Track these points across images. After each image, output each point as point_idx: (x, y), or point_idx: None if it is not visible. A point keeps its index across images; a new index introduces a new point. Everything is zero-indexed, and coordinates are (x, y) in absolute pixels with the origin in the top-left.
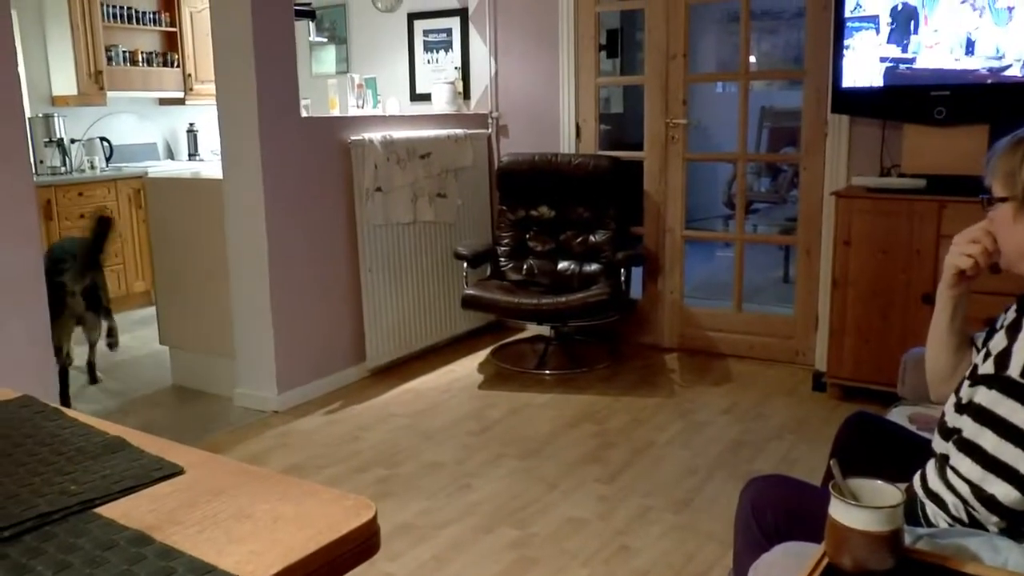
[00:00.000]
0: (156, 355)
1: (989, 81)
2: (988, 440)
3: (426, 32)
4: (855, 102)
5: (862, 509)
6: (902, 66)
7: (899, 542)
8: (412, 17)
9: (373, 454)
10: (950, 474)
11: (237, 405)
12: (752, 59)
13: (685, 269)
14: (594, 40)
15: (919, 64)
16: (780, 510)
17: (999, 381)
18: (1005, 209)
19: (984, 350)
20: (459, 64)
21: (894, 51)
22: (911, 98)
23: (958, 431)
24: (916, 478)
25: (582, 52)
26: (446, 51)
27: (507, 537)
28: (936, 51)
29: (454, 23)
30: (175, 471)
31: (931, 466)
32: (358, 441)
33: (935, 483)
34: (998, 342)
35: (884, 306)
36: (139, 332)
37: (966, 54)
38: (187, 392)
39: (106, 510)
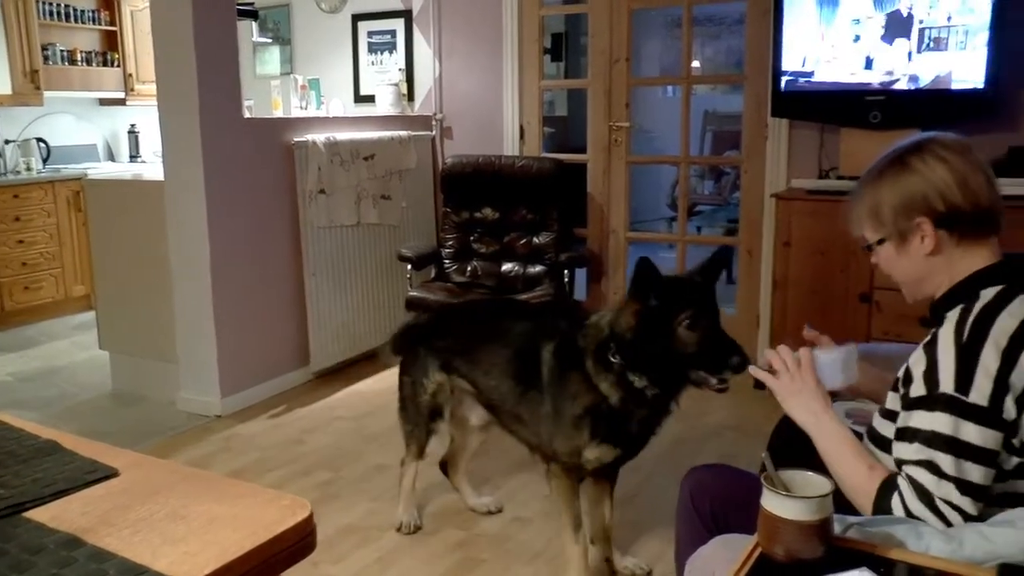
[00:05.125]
0: (95, 360)
1: (883, 96)
2: (944, 462)
3: (370, 33)
4: (794, 106)
5: (793, 499)
6: (801, 79)
7: (829, 531)
8: (356, 18)
9: (317, 457)
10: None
11: (180, 410)
12: (696, 64)
13: (629, 270)
14: (538, 43)
15: (817, 78)
16: (719, 498)
17: (937, 400)
18: (887, 248)
19: (904, 370)
20: (403, 66)
21: (795, 64)
22: (847, 103)
23: (901, 462)
24: (896, 504)
25: (526, 55)
26: (390, 53)
27: (452, 538)
28: (833, 65)
29: (398, 25)
30: (109, 474)
31: (905, 490)
32: (302, 444)
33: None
34: (917, 361)
35: (823, 305)
36: (78, 337)
37: (865, 68)
38: (128, 397)
39: (36, 514)
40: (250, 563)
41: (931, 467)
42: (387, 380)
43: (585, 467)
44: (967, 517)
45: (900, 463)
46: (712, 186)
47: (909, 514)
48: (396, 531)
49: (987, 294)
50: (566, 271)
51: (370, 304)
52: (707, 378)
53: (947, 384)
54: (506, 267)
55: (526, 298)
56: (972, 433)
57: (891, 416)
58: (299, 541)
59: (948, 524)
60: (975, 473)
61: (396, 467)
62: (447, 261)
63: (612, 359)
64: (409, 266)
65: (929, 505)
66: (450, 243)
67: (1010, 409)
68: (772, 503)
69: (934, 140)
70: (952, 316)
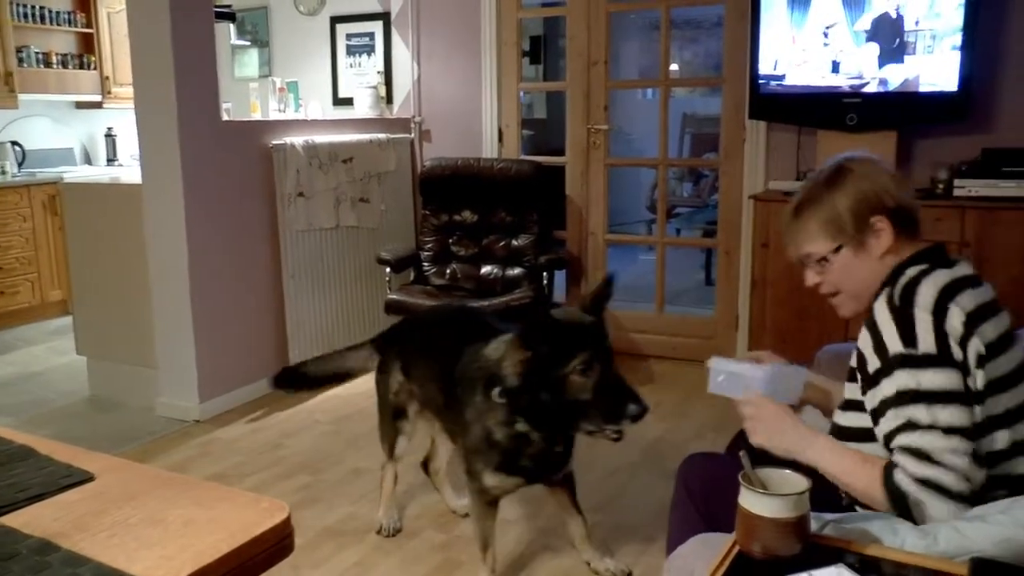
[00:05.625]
0: (72, 365)
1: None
2: (918, 413)
3: (349, 36)
4: (771, 108)
5: (769, 497)
6: (773, 83)
7: (806, 528)
8: (335, 21)
9: (297, 461)
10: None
11: (158, 415)
12: (675, 67)
13: (608, 272)
14: (517, 46)
15: (788, 81)
16: (709, 479)
17: (892, 364)
18: (844, 255)
19: (856, 357)
20: (382, 68)
21: (767, 67)
22: (825, 105)
23: (888, 439)
24: (902, 478)
25: (505, 57)
26: (369, 55)
27: (432, 540)
28: (804, 69)
29: (377, 27)
30: (85, 478)
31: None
32: (282, 448)
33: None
34: (864, 343)
35: (801, 306)
36: (55, 342)
37: (832, 72)
38: (105, 403)
39: (9, 519)
40: (227, 566)
41: (911, 426)
42: (366, 384)
43: (491, 492)
44: (970, 461)
45: (888, 440)
46: (691, 188)
47: (921, 483)
48: (376, 534)
49: (910, 272)
50: (545, 273)
51: (349, 307)
52: (602, 428)
53: (895, 346)
54: (485, 270)
55: (505, 300)
56: (932, 379)
57: (851, 406)
58: (277, 543)
59: (964, 478)
60: (950, 415)
61: (376, 470)
62: (426, 264)
63: (497, 400)
64: (388, 269)
65: (930, 461)
66: (429, 246)
67: (957, 351)
68: (749, 501)
69: (852, 158)
70: (882, 295)
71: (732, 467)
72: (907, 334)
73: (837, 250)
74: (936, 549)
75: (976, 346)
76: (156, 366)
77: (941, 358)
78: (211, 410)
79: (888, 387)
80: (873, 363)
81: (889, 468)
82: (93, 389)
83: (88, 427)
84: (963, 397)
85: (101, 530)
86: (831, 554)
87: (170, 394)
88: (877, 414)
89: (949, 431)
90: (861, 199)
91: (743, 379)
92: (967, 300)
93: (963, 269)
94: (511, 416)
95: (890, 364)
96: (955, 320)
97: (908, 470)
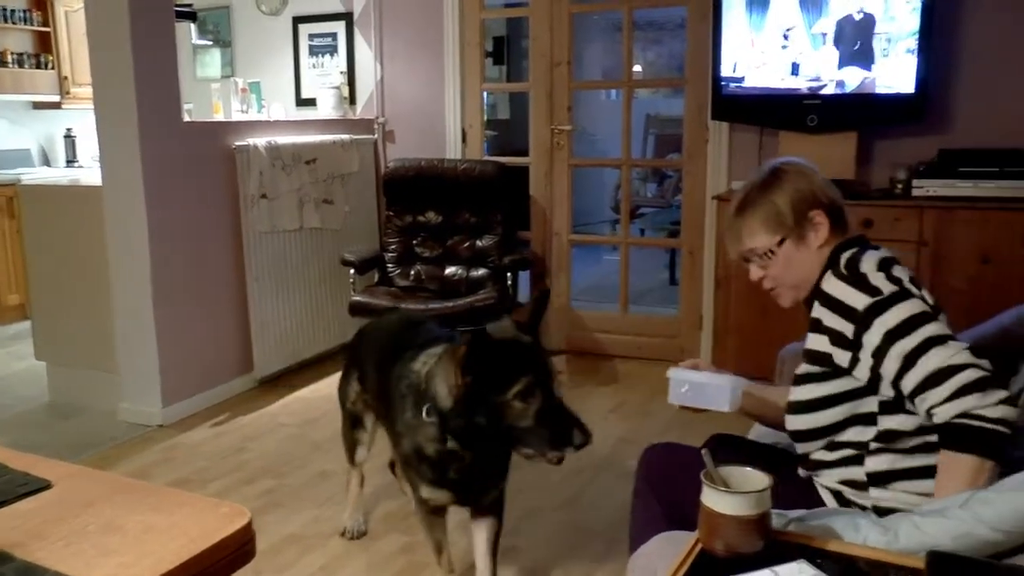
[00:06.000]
0: (31, 371)
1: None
2: (913, 341)
3: (311, 36)
4: (734, 110)
5: (731, 495)
6: (733, 84)
7: (767, 525)
8: (297, 21)
9: (261, 465)
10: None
11: (120, 420)
12: (638, 68)
13: (572, 273)
14: (480, 46)
15: (748, 83)
16: (670, 463)
17: (866, 316)
18: (787, 248)
19: (807, 349)
20: (345, 69)
21: (726, 69)
22: (785, 107)
23: (896, 382)
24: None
25: (468, 58)
26: (331, 56)
27: (396, 543)
28: (763, 71)
29: (339, 27)
30: (42, 486)
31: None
32: (245, 452)
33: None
34: (828, 317)
35: (763, 305)
36: (13, 348)
37: (791, 74)
38: (66, 409)
39: None
40: (188, 572)
41: (920, 369)
42: (331, 386)
43: (428, 503)
44: (980, 368)
45: (898, 382)
46: (655, 188)
47: (969, 416)
48: (340, 536)
49: (846, 253)
50: (509, 274)
51: (314, 309)
52: (543, 453)
53: (862, 301)
54: (449, 270)
55: (469, 301)
56: (907, 307)
57: (804, 379)
58: (238, 549)
59: (984, 376)
60: (938, 328)
61: (341, 473)
62: (390, 265)
63: (426, 417)
64: (352, 270)
65: (978, 389)
66: (393, 247)
67: (912, 288)
68: (711, 499)
69: (786, 161)
70: (828, 273)
71: (691, 455)
72: (867, 288)
73: (780, 243)
74: (896, 545)
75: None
76: (117, 371)
77: (904, 293)
78: (174, 415)
79: (874, 337)
80: (848, 330)
81: (949, 432)
82: (53, 395)
83: (48, 434)
84: (932, 315)
85: (58, 538)
86: (793, 551)
87: (132, 399)
88: (877, 366)
89: (945, 340)
90: (798, 196)
91: (707, 388)
92: (905, 269)
93: (888, 252)
94: (442, 435)
95: (865, 317)
96: (901, 273)
97: (953, 409)
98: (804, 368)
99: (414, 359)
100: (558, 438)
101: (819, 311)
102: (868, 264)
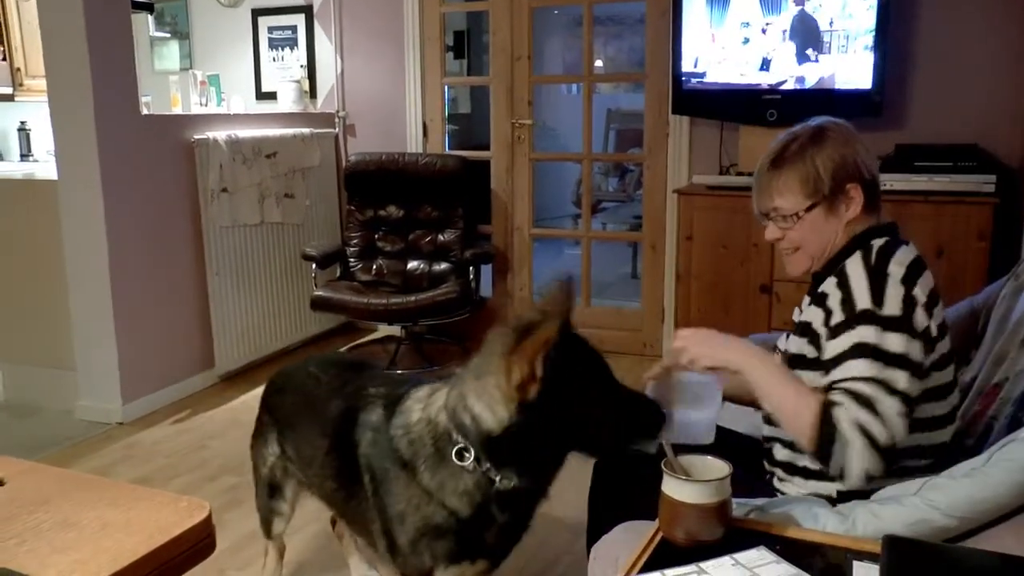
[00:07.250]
0: None
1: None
2: (872, 369)
3: (271, 29)
4: (694, 104)
5: (691, 483)
6: (694, 80)
7: (728, 513)
8: (256, 13)
9: (223, 462)
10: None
11: (78, 419)
12: (599, 62)
13: (534, 267)
14: (440, 40)
15: (708, 79)
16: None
17: (857, 319)
18: (815, 215)
19: (799, 321)
20: (305, 62)
21: (687, 65)
22: (745, 102)
23: (834, 384)
24: (842, 415)
25: (428, 52)
26: (291, 49)
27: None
28: (724, 67)
29: (299, 20)
30: None
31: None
32: (207, 449)
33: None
34: (831, 294)
35: (725, 297)
36: None
37: (756, 70)
38: (21, 408)
39: None
40: (146, 568)
41: (862, 378)
42: None
43: None
44: (903, 425)
45: (833, 385)
46: (616, 183)
47: (856, 426)
48: None
49: (878, 242)
50: (471, 268)
51: (275, 304)
52: (640, 444)
53: (863, 302)
54: (411, 265)
55: (431, 296)
56: (893, 341)
57: (795, 362)
58: (197, 543)
59: (892, 437)
60: (900, 378)
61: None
62: (352, 260)
63: (463, 464)
64: (314, 265)
65: (871, 410)
66: (355, 241)
67: (920, 319)
68: (671, 487)
69: (832, 121)
70: (856, 254)
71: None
72: (877, 293)
73: (809, 208)
74: (855, 532)
75: (935, 323)
76: (74, 368)
77: (904, 322)
78: (134, 412)
79: (848, 339)
80: (837, 317)
81: (829, 404)
82: (7, 394)
83: (2, 434)
84: (914, 366)
85: (11, 536)
86: (753, 538)
87: (90, 396)
88: (833, 361)
89: (895, 392)
90: (840, 163)
91: (691, 427)
92: (928, 281)
93: (916, 252)
94: (488, 476)
95: (855, 319)
96: (920, 293)
97: (849, 411)
98: (797, 347)
99: (395, 410)
100: (650, 424)
101: (829, 286)
102: (897, 266)
